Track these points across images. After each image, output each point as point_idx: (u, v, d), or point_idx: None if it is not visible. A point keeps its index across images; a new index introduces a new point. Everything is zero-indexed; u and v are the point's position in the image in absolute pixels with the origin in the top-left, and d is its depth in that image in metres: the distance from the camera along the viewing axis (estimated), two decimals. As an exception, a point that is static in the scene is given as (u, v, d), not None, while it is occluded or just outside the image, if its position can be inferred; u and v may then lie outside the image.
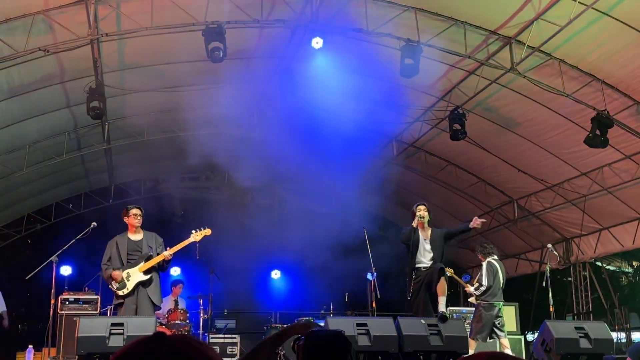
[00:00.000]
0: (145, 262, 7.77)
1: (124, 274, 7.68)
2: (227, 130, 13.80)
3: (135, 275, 7.71)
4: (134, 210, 7.95)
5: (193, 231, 8.11)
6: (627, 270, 22.89)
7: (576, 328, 7.96)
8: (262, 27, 10.29)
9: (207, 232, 8.14)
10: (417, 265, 8.69)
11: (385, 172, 14.84)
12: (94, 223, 8.54)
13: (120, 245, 7.89)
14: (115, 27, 9.53)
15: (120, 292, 7.66)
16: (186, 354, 1.14)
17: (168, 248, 7.91)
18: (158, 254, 7.88)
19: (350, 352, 2.89)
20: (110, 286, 7.77)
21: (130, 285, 7.67)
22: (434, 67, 10.85)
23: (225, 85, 12.23)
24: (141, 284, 7.73)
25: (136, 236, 8.00)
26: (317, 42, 10.17)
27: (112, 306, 8.61)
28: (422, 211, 8.79)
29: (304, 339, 2.95)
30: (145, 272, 7.74)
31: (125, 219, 7.99)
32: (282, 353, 9.80)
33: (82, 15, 8.92)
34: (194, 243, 8.31)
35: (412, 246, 8.78)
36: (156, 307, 8.06)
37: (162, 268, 8.01)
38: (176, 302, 11.66)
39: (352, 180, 15.81)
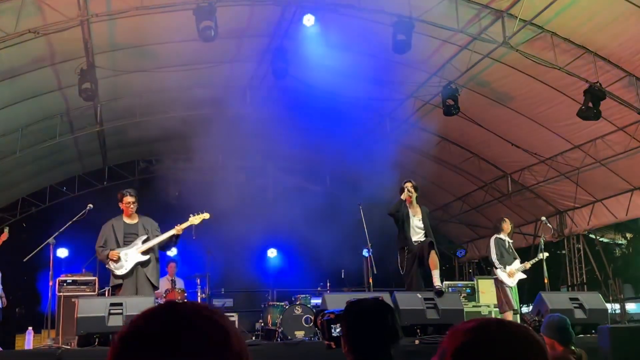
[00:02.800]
0: (142, 243, 7.83)
1: (122, 254, 7.71)
2: (220, 110, 13.78)
3: (134, 255, 7.76)
4: (128, 198, 7.98)
5: (191, 215, 8.18)
6: (620, 242, 23.06)
7: (571, 299, 8.06)
8: (252, 5, 10.23)
9: (206, 216, 8.22)
10: (409, 241, 8.79)
11: (379, 149, 14.84)
12: (90, 205, 8.52)
13: (116, 229, 7.94)
14: (105, 7, 9.45)
15: (118, 272, 7.69)
16: (199, 326, 1.14)
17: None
18: (155, 237, 7.97)
19: (395, 318, 2.84)
20: (107, 266, 7.80)
21: (128, 266, 7.71)
22: (426, 43, 10.83)
23: (217, 65, 12.20)
24: (140, 265, 7.78)
25: (131, 220, 8.07)
26: (308, 20, 10.14)
27: (110, 288, 8.65)
28: (410, 187, 8.89)
29: (345, 310, 2.88)
30: (144, 253, 7.79)
31: (120, 205, 8.04)
32: (280, 330, 9.88)
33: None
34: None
35: (403, 222, 8.86)
36: (155, 288, 8.11)
37: (167, 247, 8.13)
38: (173, 281, 11.70)
39: (346, 158, 15.83)
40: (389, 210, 9.01)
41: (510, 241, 10.04)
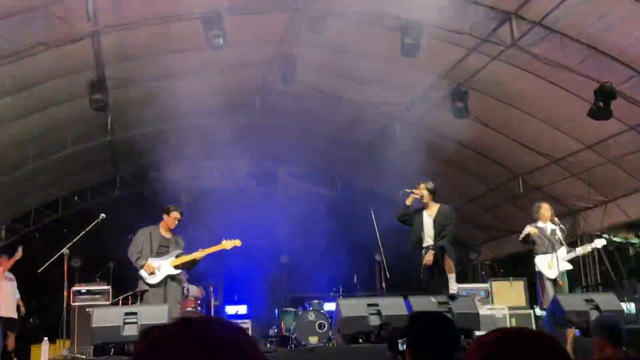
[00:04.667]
0: (176, 257, 8.00)
1: (156, 265, 7.91)
2: (230, 117, 13.82)
3: (166, 267, 7.97)
4: (176, 214, 8.25)
5: (224, 240, 8.41)
6: (633, 241, 22.95)
7: (586, 300, 8.00)
8: (261, 13, 10.27)
9: (237, 243, 8.45)
10: (424, 245, 8.76)
11: (388, 152, 14.84)
12: (103, 215, 8.67)
13: (153, 237, 8.24)
14: (115, 18, 9.50)
15: (149, 280, 7.93)
16: (216, 343, 1.14)
17: (200, 249, 8.15)
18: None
19: (455, 329, 2.99)
20: (140, 272, 8.05)
21: (160, 276, 7.96)
22: (434, 45, 10.81)
23: (226, 72, 12.22)
24: (169, 277, 7.96)
25: (167, 234, 8.39)
26: (315, 26, 10.15)
27: (140, 292, 8.77)
28: (421, 189, 8.90)
29: (409, 324, 3.09)
30: (176, 267, 7.99)
31: (165, 216, 8.23)
32: (293, 336, 9.89)
33: (82, 7, 8.91)
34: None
35: (416, 225, 8.83)
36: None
37: (189, 266, 8.43)
38: (187, 289, 11.72)
39: (356, 162, 15.84)
40: (396, 216, 9.00)
41: (554, 227, 9.27)
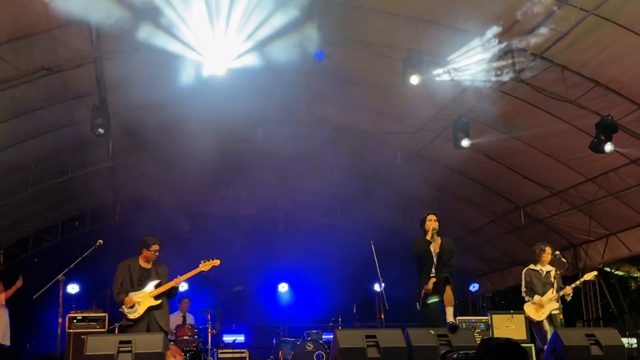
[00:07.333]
0: (155, 288, 7.96)
1: (136, 298, 7.86)
2: (231, 145, 13.84)
3: (146, 300, 7.94)
4: (156, 247, 8.16)
5: (202, 261, 8.38)
6: (635, 275, 22.79)
7: (587, 335, 7.89)
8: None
9: (216, 262, 8.37)
10: (427, 276, 8.65)
11: (390, 182, 14.82)
12: (100, 241, 8.60)
13: (132, 270, 8.15)
14: (118, 44, 9.53)
15: (131, 316, 7.91)
16: None
17: (178, 276, 8.13)
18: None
19: (527, 355, 3.00)
20: (120, 309, 8.03)
21: (141, 310, 7.96)
22: (435, 76, 10.83)
23: (228, 99, 12.23)
24: (151, 309, 7.90)
25: (147, 264, 8.27)
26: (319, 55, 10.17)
27: (118, 325, 8.74)
28: (433, 222, 8.74)
29: (480, 348, 3.08)
30: (156, 298, 7.95)
31: (144, 250, 8.13)
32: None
33: (85, 33, 8.96)
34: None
35: (422, 258, 8.71)
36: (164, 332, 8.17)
37: (170, 295, 8.30)
38: (184, 317, 11.63)
39: (357, 190, 15.80)
40: (414, 250, 8.81)
41: (549, 270, 9.19)
